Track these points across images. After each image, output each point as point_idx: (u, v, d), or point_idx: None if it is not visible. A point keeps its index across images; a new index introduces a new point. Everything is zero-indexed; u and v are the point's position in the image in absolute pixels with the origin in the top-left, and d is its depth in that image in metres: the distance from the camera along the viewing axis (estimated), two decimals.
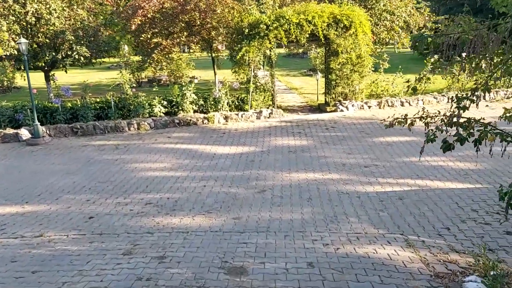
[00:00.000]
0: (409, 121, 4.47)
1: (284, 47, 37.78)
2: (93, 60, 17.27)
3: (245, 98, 13.93)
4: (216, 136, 11.49)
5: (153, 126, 12.45)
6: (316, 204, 6.85)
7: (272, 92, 14.12)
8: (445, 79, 15.50)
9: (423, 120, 4.38)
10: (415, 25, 16.91)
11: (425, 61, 15.15)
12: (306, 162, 9.13)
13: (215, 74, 16.28)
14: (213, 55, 15.74)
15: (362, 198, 7.04)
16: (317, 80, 16.43)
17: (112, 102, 12.91)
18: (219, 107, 13.41)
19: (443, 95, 14.34)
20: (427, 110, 4.52)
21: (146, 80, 21.82)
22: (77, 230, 6.18)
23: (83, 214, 6.86)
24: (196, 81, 13.91)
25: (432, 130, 4.23)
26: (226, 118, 12.92)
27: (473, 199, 6.85)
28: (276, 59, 13.69)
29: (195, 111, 13.55)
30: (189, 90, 13.22)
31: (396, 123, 4.52)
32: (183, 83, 13.31)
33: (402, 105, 13.93)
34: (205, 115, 12.83)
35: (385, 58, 15.44)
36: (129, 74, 20.42)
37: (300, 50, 33.43)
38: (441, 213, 6.37)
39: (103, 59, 19.56)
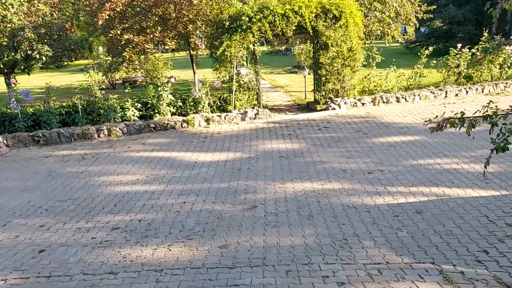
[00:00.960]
0: (467, 123, 3.21)
1: (266, 45, 36.66)
2: (60, 61, 15.83)
3: (228, 98, 12.72)
4: (197, 141, 10.24)
5: (126, 132, 11.13)
6: (319, 223, 5.68)
7: (257, 90, 12.93)
8: (441, 72, 14.58)
9: (489, 120, 3.13)
10: (405, 16, 15.94)
11: (419, 53, 14.18)
12: (301, 169, 7.97)
13: (194, 73, 15.01)
14: (192, 52, 14.47)
15: (372, 213, 5.89)
16: (305, 76, 15.30)
17: (79, 106, 11.54)
18: (199, 108, 12.15)
19: (441, 89, 13.35)
20: (496, 106, 3.30)
21: (121, 81, 20.39)
22: (20, 270, 4.86)
23: (33, 246, 5.54)
24: (172, 80, 12.54)
25: (504, 133, 3.00)
26: (207, 120, 11.67)
27: (503, 210, 5.76)
28: (260, 54, 12.48)
29: (173, 114, 12.27)
30: (166, 91, 11.94)
31: (447, 125, 3.29)
32: (159, 83, 12.00)
33: (398, 101, 12.89)
34: (184, 118, 11.56)
35: (375, 52, 14.40)
36: (102, 76, 19.04)
37: (283, 47, 32.40)
38: (471, 230, 5.26)
39: (74, 61, 18.19)
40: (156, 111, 11.95)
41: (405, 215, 5.77)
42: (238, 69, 12.65)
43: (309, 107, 13.68)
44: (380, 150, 8.78)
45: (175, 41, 12.10)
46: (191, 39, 12.14)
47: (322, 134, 10.25)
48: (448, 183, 6.81)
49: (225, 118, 11.73)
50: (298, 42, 24.40)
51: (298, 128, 10.90)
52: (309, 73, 17.60)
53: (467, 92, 13.38)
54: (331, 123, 11.18)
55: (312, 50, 13.85)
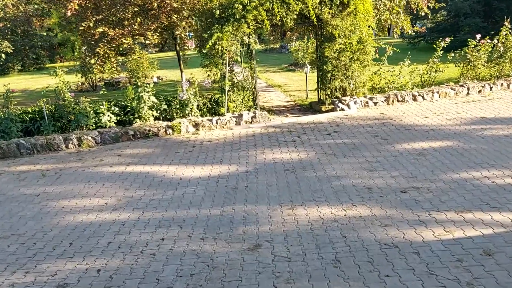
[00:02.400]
0: None
1: (260, 43, 35.04)
2: (39, 62, 14.09)
3: (220, 99, 11.04)
4: (184, 152, 8.54)
5: (100, 141, 9.39)
6: (352, 273, 4.01)
7: (254, 90, 11.25)
8: (458, 66, 12.99)
9: None
10: (416, 6, 14.33)
11: (434, 45, 12.58)
12: (313, 187, 6.30)
13: (181, 72, 13.30)
14: (178, 48, 12.75)
15: (424, 256, 4.23)
16: (306, 74, 13.64)
17: (45, 112, 9.80)
18: (186, 112, 10.45)
19: (462, 86, 11.74)
20: None
21: (103, 83, 18.64)
22: None
23: None
24: (155, 79, 10.83)
25: None
26: (196, 125, 9.97)
27: None
28: (257, 47, 10.79)
29: (156, 119, 10.56)
30: (147, 92, 10.23)
31: None
32: (139, 83, 10.30)
33: (415, 99, 11.26)
34: (169, 123, 9.85)
35: (380, 45, 12.77)
36: (81, 77, 17.30)
37: (277, 45, 30.80)
38: None
39: (61, 63, 16.54)
40: (136, 115, 10.23)
41: (471, 258, 4.12)
42: (231, 65, 10.98)
43: (312, 107, 12.03)
44: (407, 160, 7.13)
45: (158, 34, 10.41)
46: (176, 32, 10.45)
47: (333, 140, 8.59)
48: (511, 206, 5.17)
49: (217, 123, 10.04)
50: (294, 38, 22.85)
51: (303, 133, 9.23)
52: (311, 71, 15.98)
53: (491, 88, 11.79)
54: (341, 126, 9.52)
55: (315, 42, 12.18)
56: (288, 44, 23.92)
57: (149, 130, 9.61)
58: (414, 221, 4.97)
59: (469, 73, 12.86)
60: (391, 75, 12.17)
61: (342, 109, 10.75)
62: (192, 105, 10.47)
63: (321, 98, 11.84)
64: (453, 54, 12.63)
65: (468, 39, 12.80)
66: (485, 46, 12.51)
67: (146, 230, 5.31)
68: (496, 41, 12.47)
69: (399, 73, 12.10)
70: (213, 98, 11.40)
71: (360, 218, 5.16)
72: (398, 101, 11.16)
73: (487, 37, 12.71)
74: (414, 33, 15.42)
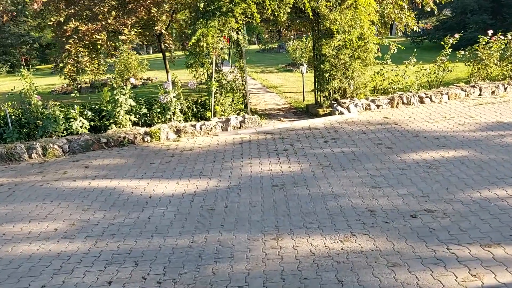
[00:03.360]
0: None
1: (257, 43, 33.99)
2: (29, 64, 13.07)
3: (207, 102, 10.00)
4: (160, 162, 7.49)
5: (68, 150, 8.35)
6: None
7: (244, 91, 10.20)
8: (468, 65, 11.92)
9: None
10: (421, 0, 13.25)
11: (442, 42, 11.51)
12: (304, 208, 5.24)
13: (167, 73, 12.26)
14: (162, 46, 11.70)
15: None
16: (302, 74, 12.58)
17: (8, 117, 8.76)
18: (168, 116, 9.40)
19: (473, 86, 10.66)
20: None
21: (89, 85, 17.62)
22: None
23: None
24: (132, 80, 9.80)
25: None
26: (178, 131, 8.91)
27: None
28: (247, 44, 9.74)
29: (135, 124, 9.52)
30: (124, 94, 9.19)
31: None
32: (115, 84, 9.25)
33: (422, 101, 10.18)
34: (147, 129, 8.79)
35: (383, 42, 11.71)
36: (63, 78, 16.25)
37: (275, 45, 29.77)
38: None
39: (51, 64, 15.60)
40: (112, 120, 9.19)
41: None
42: (218, 65, 9.94)
43: (309, 111, 10.98)
44: (416, 173, 6.06)
45: (136, 30, 9.37)
46: (156, 27, 9.40)
47: (330, 148, 7.52)
48: None
49: (201, 129, 8.98)
50: (292, 37, 21.83)
51: (297, 141, 8.17)
52: (308, 71, 14.93)
53: (505, 88, 10.71)
54: (340, 132, 8.46)
55: (311, 40, 11.13)
56: (286, 44, 22.84)
57: (124, 137, 8.56)
58: (429, 259, 3.91)
59: (480, 72, 11.79)
60: (395, 75, 11.10)
61: (341, 113, 9.68)
62: (175, 109, 9.42)
63: (319, 100, 10.78)
64: (463, 52, 11.55)
65: (479, 36, 11.72)
66: (497, 43, 11.44)
67: (94, 268, 4.25)
68: (510, 37, 11.38)
69: (404, 73, 11.03)
70: (199, 101, 10.37)
71: (361, 254, 4.10)
72: (403, 103, 10.09)
73: (499, 33, 11.64)
74: (419, 30, 14.33)
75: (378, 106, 9.96)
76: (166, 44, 9.95)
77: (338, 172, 6.40)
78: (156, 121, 9.56)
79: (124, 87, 9.28)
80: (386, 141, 7.68)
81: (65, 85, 17.82)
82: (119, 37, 8.79)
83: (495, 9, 21.39)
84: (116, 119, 9.13)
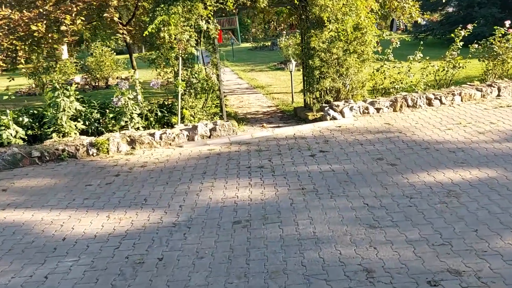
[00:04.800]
0: None
1: (251, 42, 32.37)
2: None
3: (174, 105, 8.38)
4: (98, 184, 5.84)
5: None
6: None
7: (219, 92, 8.56)
8: (483, 61, 10.29)
9: None
10: None
11: (452, 34, 9.87)
12: (272, 263, 3.61)
13: (134, 71, 10.62)
14: (127, 40, 10.05)
15: None
16: (291, 71, 10.95)
17: None
18: (122, 123, 7.75)
19: (491, 86, 9.00)
20: None
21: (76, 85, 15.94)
22: None
23: None
24: (77, 79, 8.13)
25: None
26: (132, 142, 7.26)
27: None
28: (216, 35, 8.07)
29: (84, 132, 7.88)
30: (68, 97, 7.55)
31: None
32: (56, 84, 7.60)
33: (430, 103, 8.53)
34: (93, 140, 7.13)
35: (383, 36, 10.06)
36: (28, 79, 14.63)
37: (269, 43, 28.14)
38: None
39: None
40: (53, 128, 7.55)
41: None
42: (187, 61, 8.31)
43: (297, 115, 9.34)
44: (430, 204, 4.43)
45: (83, 19, 7.71)
46: (105, 14, 7.75)
47: (317, 165, 5.88)
48: None
49: (161, 138, 7.33)
50: (284, 33, 20.22)
51: (277, 154, 6.52)
52: (297, 68, 13.30)
53: None
54: (331, 143, 6.81)
55: (300, 33, 9.49)
56: (278, 40, 21.21)
57: (64, 150, 6.91)
58: None
59: (496, 69, 10.14)
60: (398, 73, 9.45)
61: (334, 118, 8.03)
62: (132, 113, 7.78)
63: (308, 102, 9.15)
64: (476, 46, 9.90)
65: (495, 27, 10.09)
66: None
67: None
68: None
69: (409, 70, 9.38)
70: (165, 104, 8.73)
71: None
72: (408, 106, 8.44)
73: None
74: (424, 23, 12.70)
75: (378, 110, 8.31)
76: (124, 36, 8.33)
77: (325, 200, 4.75)
78: (111, 128, 7.92)
79: (68, 87, 7.63)
80: (388, 155, 6.03)
81: (33, 86, 16.18)
82: (60, 27, 7.13)
83: (503, 2, 19.74)
84: (58, 126, 7.49)
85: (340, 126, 7.68)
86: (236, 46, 30.64)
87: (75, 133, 7.59)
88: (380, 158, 5.94)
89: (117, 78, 16.84)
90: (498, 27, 9.99)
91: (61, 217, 4.90)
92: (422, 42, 9.73)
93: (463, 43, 9.58)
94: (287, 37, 19.46)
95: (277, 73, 17.01)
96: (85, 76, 15.80)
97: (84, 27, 8.38)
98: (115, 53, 16.61)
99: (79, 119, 7.83)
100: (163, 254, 3.90)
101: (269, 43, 27.33)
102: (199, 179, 5.74)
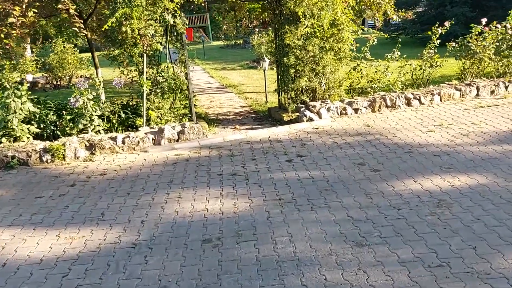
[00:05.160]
0: None
1: (223, 39, 31.78)
2: None
3: (139, 105, 7.77)
4: (50, 196, 5.19)
5: None
6: None
7: (187, 92, 7.99)
8: (460, 59, 10.07)
9: None
10: None
11: (429, 32, 9.61)
12: (248, 284, 3.10)
13: (96, 69, 9.90)
14: (89, 36, 9.32)
15: None
16: (264, 70, 10.47)
17: None
18: (81, 126, 7.07)
19: (469, 85, 8.76)
20: None
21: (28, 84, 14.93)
22: None
23: None
24: (29, 77, 7.43)
25: None
26: (91, 147, 6.61)
27: None
28: (184, 30, 7.49)
29: (38, 136, 7.17)
30: (19, 97, 6.83)
31: None
32: (6, 83, 6.87)
33: (409, 104, 8.20)
34: (47, 145, 6.44)
35: (358, 30, 9.68)
36: None
37: (240, 41, 27.60)
38: None
39: None
40: (3, 132, 6.81)
41: None
42: (153, 58, 7.71)
43: (271, 116, 8.87)
44: (421, 216, 4.02)
45: (35, 11, 6.94)
46: (59, 5, 7.02)
47: (295, 172, 5.40)
48: None
49: (123, 142, 6.70)
50: (257, 30, 19.74)
51: (251, 159, 6.01)
52: (271, 67, 12.85)
53: (506, 87, 8.86)
54: (308, 146, 6.35)
55: (273, 28, 9.00)
56: (251, 38, 20.69)
57: (13, 157, 6.20)
58: None
59: (472, 68, 9.94)
60: (375, 72, 9.10)
61: (311, 119, 7.59)
62: (92, 115, 7.11)
63: (283, 103, 8.69)
64: (454, 44, 9.68)
65: (472, 25, 9.88)
66: (493, 33, 9.63)
67: None
68: (509, 26, 9.58)
69: (386, 69, 9.04)
70: (129, 105, 8.10)
71: None
72: (386, 106, 8.09)
73: (495, 22, 9.84)
74: (399, 20, 12.47)
75: (356, 110, 7.92)
76: (81, 30, 7.62)
77: (305, 212, 4.27)
78: (69, 132, 7.23)
79: (20, 87, 6.90)
80: (370, 159, 5.61)
81: None
82: (8, 19, 6.40)
83: (474, 1, 19.83)
84: (8, 130, 6.76)
85: (317, 128, 7.23)
86: (207, 44, 29.96)
87: (27, 137, 6.87)
88: (362, 163, 5.51)
89: (81, 76, 15.97)
90: (475, 25, 9.78)
91: (3, 236, 4.25)
92: (400, 40, 9.40)
93: (439, 41, 9.33)
94: (259, 35, 18.98)
95: (249, 71, 16.50)
96: (46, 75, 14.87)
97: (37, 20, 7.61)
98: (78, 51, 15.71)
99: (32, 122, 7.11)
100: (119, 283, 3.34)
101: (241, 41, 26.79)
102: (165, 189, 5.17)
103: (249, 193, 4.88)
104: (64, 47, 14.70)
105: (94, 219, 4.50)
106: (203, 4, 8.44)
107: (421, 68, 9.61)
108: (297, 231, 3.92)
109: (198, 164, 5.98)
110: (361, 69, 9.13)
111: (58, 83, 14.95)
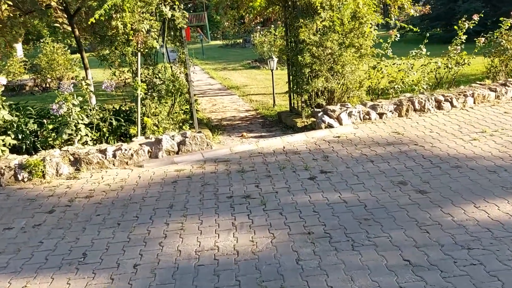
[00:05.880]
0: None
1: (222, 39, 30.78)
2: None
3: (132, 111, 6.81)
4: (23, 227, 4.22)
5: None
6: None
7: (188, 95, 7.03)
8: (488, 56, 9.13)
9: None
10: None
11: (455, 27, 8.65)
12: None
13: (86, 70, 8.90)
14: (77, 32, 8.31)
15: None
16: (272, 70, 9.49)
17: None
18: (65, 136, 6.07)
19: (505, 85, 7.80)
20: None
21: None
22: None
23: None
24: (2, 80, 6.40)
25: None
26: (76, 162, 5.61)
27: None
28: (184, 25, 6.52)
29: (14, 148, 6.17)
30: None
31: None
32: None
33: (440, 107, 7.23)
34: (23, 161, 5.44)
35: (382, 19, 8.69)
36: None
37: (241, 40, 26.64)
38: None
39: None
40: None
41: None
42: (152, 56, 6.75)
43: (282, 121, 7.90)
44: (502, 262, 3.04)
45: (10, 3, 5.97)
46: None
47: (322, 193, 4.43)
48: None
49: (114, 156, 5.71)
50: (258, 28, 18.79)
51: (267, 176, 5.03)
52: (278, 67, 11.91)
53: None
54: (332, 159, 5.38)
55: (283, 21, 8.01)
56: (252, 36, 19.73)
57: None
58: None
59: (502, 66, 8.99)
60: (398, 71, 8.14)
61: (330, 125, 6.61)
62: (78, 124, 6.11)
63: (295, 106, 7.74)
64: (483, 40, 8.73)
65: (502, 18, 8.93)
66: None
67: None
68: None
69: (412, 68, 8.08)
70: (121, 110, 7.12)
71: None
72: (415, 110, 7.12)
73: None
74: (416, 15, 11.52)
75: (381, 115, 6.95)
76: (63, 26, 6.62)
77: (345, 253, 3.30)
78: (52, 143, 6.24)
79: None
80: (411, 177, 4.64)
81: None
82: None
83: None
84: None
85: (339, 136, 6.26)
86: (205, 43, 28.99)
87: (2, 151, 5.88)
88: (403, 181, 4.54)
89: (72, 78, 14.97)
90: (505, 19, 8.84)
91: None
92: (427, 35, 8.41)
93: (466, 35, 8.37)
94: (261, 33, 18.02)
95: (252, 71, 15.52)
96: (34, 77, 13.86)
97: (13, 15, 6.62)
98: (69, 51, 14.70)
99: (9, 132, 6.11)
100: None
101: (241, 40, 25.81)
102: (164, 217, 4.19)
103: (268, 223, 3.90)
104: (53, 46, 13.67)
105: (73, 262, 3.52)
106: (200, 3, 7.45)
107: (446, 67, 8.65)
108: (340, 284, 2.95)
109: (203, 183, 5.00)
110: (381, 67, 8.16)
111: (47, 85, 13.94)
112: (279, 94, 9.93)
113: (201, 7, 32.16)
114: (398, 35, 8.19)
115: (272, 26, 17.02)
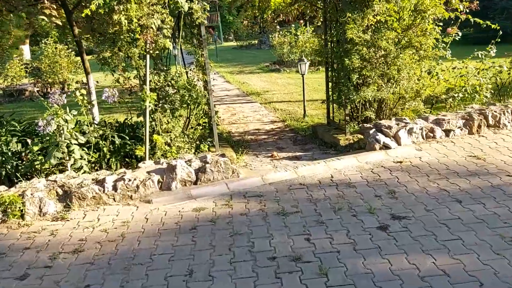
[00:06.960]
0: None
1: (235, 40, 29.57)
2: None
3: (139, 126, 5.54)
4: None
5: None
6: None
7: (207, 107, 5.73)
8: None
9: None
10: None
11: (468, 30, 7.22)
12: None
13: (87, 75, 7.65)
14: (75, 32, 7.07)
15: None
16: (303, 75, 8.14)
17: None
18: (54, 161, 4.80)
19: None
20: None
21: (1, 92, 12.82)
22: None
23: None
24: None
25: None
26: (65, 196, 4.33)
27: None
28: (204, 20, 5.23)
29: None
30: None
31: None
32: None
33: None
34: (3, 196, 4.17)
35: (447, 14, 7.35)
36: None
37: (256, 40, 25.34)
38: None
39: None
40: None
41: None
42: (162, 59, 5.48)
43: (318, 136, 6.55)
44: None
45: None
46: None
47: (405, 256, 3.09)
48: None
49: (115, 189, 4.41)
50: (278, 28, 17.50)
51: (318, 223, 3.70)
52: (311, 71, 10.55)
53: None
54: (402, 196, 4.03)
55: (322, 16, 6.65)
56: (270, 37, 18.42)
57: None
58: None
59: None
60: (460, 76, 6.76)
61: (386, 146, 5.25)
62: (70, 144, 4.84)
63: (335, 119, 6.40)
64: None
65: None
66: None
67: None
68: None
69: (478, 73, 6.71)
70: (126, 125, 5.84)
71: None
72: (488, 126, 5.74)
73: None
74: (465, 10, 10.11)
75: (447, 132, 5.58)
76: (53, 20, 5.42)
77: None
78: (39, 168, 4.98)
79: None
80: None
81: None
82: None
83: None
84: None
85: (401, 162, 4.91)
86: (218, 45, 27.77)
87: None
88: None
89: (76, 83, 13.79)
90: None
91: None
92: (499, 38, 7.00)
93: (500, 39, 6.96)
94: (280, 33, 16.70)
95: (271, 75, 14.20)
96: (34, 81, 12.69)
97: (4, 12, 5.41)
98: (74, 53, 13.51)
99: None
100: None
101: (257, 41, 24.51)
102: None
103: None
104: (56, 48, 12.50)
105: None
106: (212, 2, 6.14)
107: (510, 71, 7.28)
108: None
109: (232, 231, 3.69)
110: (437, 72, 6.80)
111: (49, 90, 12.77)
112: (310, 101, 8.61)
113: (213, 7, 30.96)
114: (460, 33, 6.80)
115: (293, 26, 15.70)
